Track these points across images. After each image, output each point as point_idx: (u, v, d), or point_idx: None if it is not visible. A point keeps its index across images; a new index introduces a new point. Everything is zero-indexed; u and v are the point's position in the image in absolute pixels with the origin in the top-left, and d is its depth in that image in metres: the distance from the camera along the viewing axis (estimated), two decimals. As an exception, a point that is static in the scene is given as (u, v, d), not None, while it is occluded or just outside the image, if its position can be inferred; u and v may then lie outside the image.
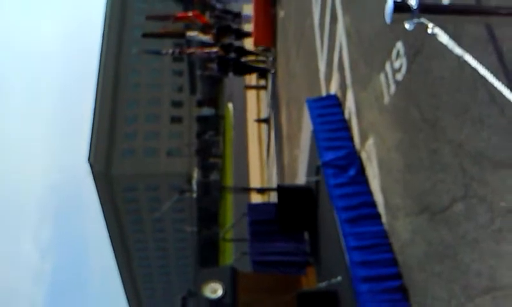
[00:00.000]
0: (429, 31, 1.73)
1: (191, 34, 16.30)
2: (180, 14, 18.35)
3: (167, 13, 19.11)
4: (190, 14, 17.49)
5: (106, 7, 73.59)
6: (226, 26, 15.70)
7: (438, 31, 1.67)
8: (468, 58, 1.66)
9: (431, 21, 1.79)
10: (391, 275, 4.92)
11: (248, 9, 16.93)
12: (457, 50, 1.63)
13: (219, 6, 16.81)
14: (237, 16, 17.23)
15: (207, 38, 15.72)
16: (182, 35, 16.98)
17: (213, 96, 57.77)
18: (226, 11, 16.92)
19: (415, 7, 1.83)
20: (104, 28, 72.26)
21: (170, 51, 16.69)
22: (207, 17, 18.16)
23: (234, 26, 16.65)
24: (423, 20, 1.84)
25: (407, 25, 1.89)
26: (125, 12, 73.65)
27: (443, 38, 1.64)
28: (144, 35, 18.55)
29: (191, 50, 16.71)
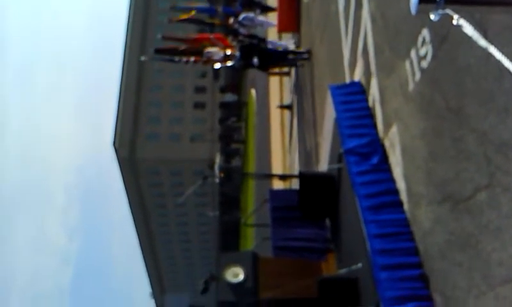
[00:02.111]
0: (454, 22, 1.73)
1: (211, 50, 14.96)
2: (199, 36, 16.56)
3: (186, 36, 17.00)
4: (211, 36, 15.81)
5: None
6: (250, 44, 14.24)
7: (463, 22, 1.67)
8: (493, 50, 1.66)
9: (457, 12, 1.79)
10: (412, 264, 4.93)
11: (273, 34, 16.00)
12: (482, 42, 1.63)
13: (242, 31, 15.74)
14: (263, 41, 16.36)
15: (228, 51, 14.35)
16: (199, 52, 15.37)
17: (236, 82, 57.83)
18: (251, 36, 15.96)
19: (440, -3, 1.83)
20: (129, 15, 72.66)
21: (184, 59, 15.09)
22: (229, 41, 16.93)
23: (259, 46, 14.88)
24: (448, 11, 1.84)
25: (432, 17, 1.89)
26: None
27: (468, 29, 1.65)
28: (157, 51, 17.11)
29: (207, 59, 15.05)
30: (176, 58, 15.14)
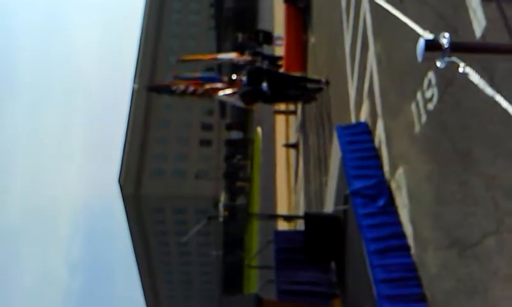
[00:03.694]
0: (461, 70, 1.73)
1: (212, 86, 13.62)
2: (209, 86, 14.53)
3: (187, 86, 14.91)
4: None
5: (142, 27, 75.48)
6: (258, 68, 12.65)
7: (469, 70, 1.67)
8: (499, 98, 1.65)
9: (463, 60, 1.79)
10: (419, 310, 4.80)
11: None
12: (489, 90, 1.62)
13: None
14: (274, 62, 15.96)
15: (233, 76, 12.92)
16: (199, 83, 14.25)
17: (242, 120, 58.22)
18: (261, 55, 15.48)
19: (446, 46, 1.84)
20: (139, 50, 73.96)
21: (181, 87, 13.30)
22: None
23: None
24: (454, 59, 1.85)
25: (438, 64, 1.90)
26: (160, 34, 75.35)
27: (475, 77, 1.64)
28: (150, 89, 15.66)
29: (208, 87, 13.14)
30: (174, 87, 13.45)
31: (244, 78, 11.77)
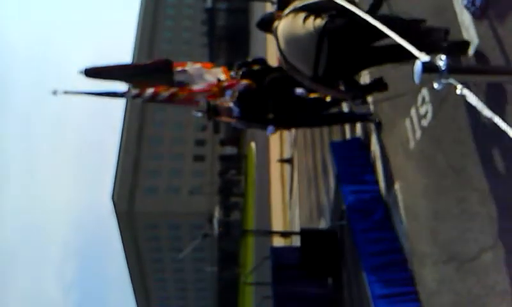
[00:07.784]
0: (458, 91, 1.77)
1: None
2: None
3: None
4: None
5: (134, 44, 75.70)
6: (255, 91, 9.12)
7: (467, 92, 1.72)
8: (498, 120, 1.69)
9: (460, 81, 1.84)
10: (418, 325, 4.81)
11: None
12: (487, 112, 1.67)
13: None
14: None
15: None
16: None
17: (236, 135, 58.36)
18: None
19: (443, 68, 1.89)
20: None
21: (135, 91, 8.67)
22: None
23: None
24: (452, 80, 1.90)
25: (435, 85, 1.95)
26: (153, 50, 75.57)
27: (473, 99, 1.69)
28: (87, 73, 12.09)
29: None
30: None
31: (232, 104, 6.86)
